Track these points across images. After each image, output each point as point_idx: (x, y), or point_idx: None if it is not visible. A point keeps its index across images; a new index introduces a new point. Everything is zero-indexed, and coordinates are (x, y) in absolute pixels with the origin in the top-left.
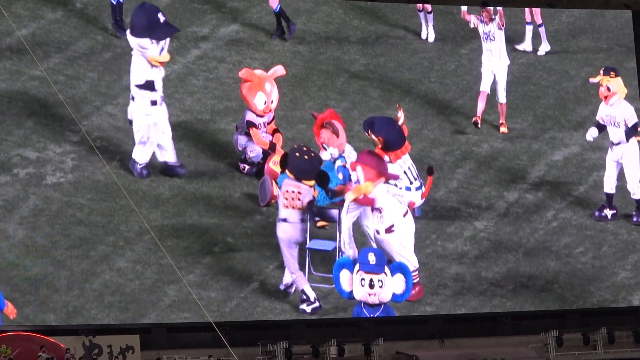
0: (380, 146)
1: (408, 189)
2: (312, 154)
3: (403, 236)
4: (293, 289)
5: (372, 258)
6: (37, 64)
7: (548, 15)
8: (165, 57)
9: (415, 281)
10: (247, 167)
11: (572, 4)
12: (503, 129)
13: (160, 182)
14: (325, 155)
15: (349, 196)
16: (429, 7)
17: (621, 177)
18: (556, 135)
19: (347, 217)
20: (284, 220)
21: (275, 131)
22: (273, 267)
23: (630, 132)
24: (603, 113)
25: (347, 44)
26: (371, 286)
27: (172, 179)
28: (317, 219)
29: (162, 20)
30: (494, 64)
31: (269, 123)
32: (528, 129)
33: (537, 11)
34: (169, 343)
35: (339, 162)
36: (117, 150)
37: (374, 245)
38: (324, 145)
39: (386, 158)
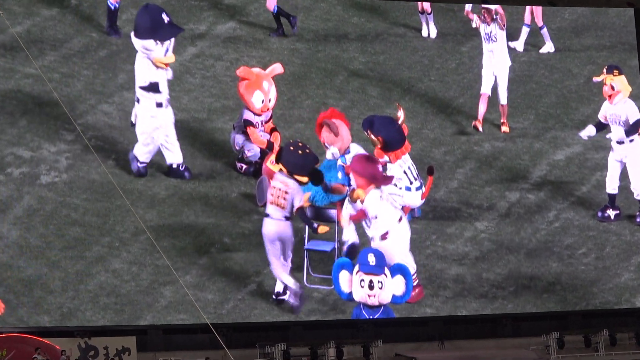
0: (379, 146)
1: (408, 189)
2: (307, 150)
3: (398, 242)
4: (287, 296)
5: (371, 259)
6: (31, 61)
7: (550, 13)
8: (171, 58)
9: (414, 283)
10: (244, 166)
11: (573, 2)
12: (504, 128)
13: (157, 181)
14: (327, 155)
15: (344, 216)
16: (428, 9)
17: (623, 177)
18: (558, 135)
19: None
20: (267, 215)
21: (273, 130)
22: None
23: (631, 129)
24: (607, 112)
25: (346, 42)
26: (371, 287)
27: (168, 178)
28: (315, 225)
29: (166, 21)
30: (496, 65)
31: (266, 122)
32: (530, 128)
33: (538, 13)
34: (166, 345)
35: (340, 162)
36: (112, 149)
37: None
38: (326, 144)
39: (385, 158)
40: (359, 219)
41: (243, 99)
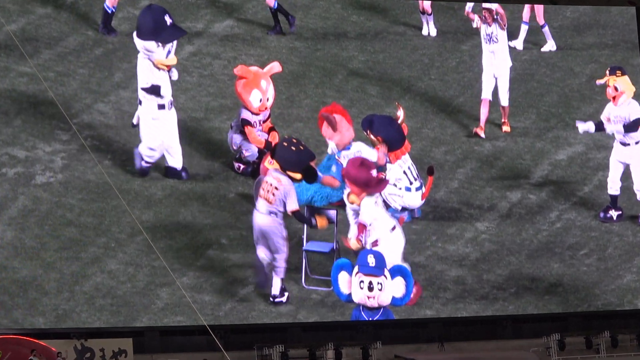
0: (379, 146)
1: (408, 189)
2: (301, 147)
3: (388, 251)
4: (285, 298)
5: (371, 260)
6: (26, 60)
7: (552, 11)
8: (172, 60)
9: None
10: (242, 166)
11: (574, 0)
12: (505, 128)
13: (153, 182)
14: (328, 149)
15: (351, 240)
16: (429, 9)
17: (625, 178)
18: (560, 134)
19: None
20: (255, 208)
21: (271, 129)
22: None
23: (631, 126)
24: (611, 114)
25: (345, 40)
26: (370, 289)
27: (164, 178)
28: (314, 222)
29: (168, 23)
30: (497, 67)
31: (264, 121)
32: (531, 128)
33: (539, 12)
34: (163, 347)
35: (337, 156)
36: (108, 149)
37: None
38: (327, 139)
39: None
40: (362, 232)
41: (241, 98)
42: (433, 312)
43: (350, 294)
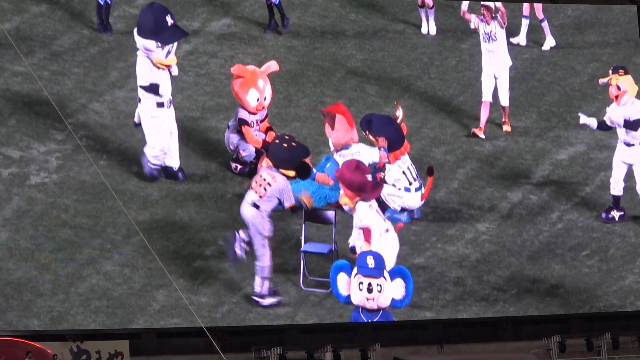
0: (378, 146)
1: (407, 189)
2: (293, 144)
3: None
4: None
5: (370, 261)
6: (20, 59)
7: (553, 9)
8: (172, 60)
9: None
10: (239, 166)
11: None
12: (506, 127)
13: (149, 182)
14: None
15: (361, 246)
16: (430, 3)
17: (628, 178)
18: (561, 134)
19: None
20: (244, 200)
21: (268, 129)
22: None
23: (631, 124)
24: (614, 115)
25: (343, 39)
26: (369, 290)
27: (161, 179)
28: (304, 205)
29: (169, 24)
30: (496, 67)
31: (262, 121)
32: (532, 127)
33: (538, 6)
34: (159, 349)
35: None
36: (104, 149)
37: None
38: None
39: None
40: (369, 236)
41: (238, 97)
42: (433, 313)
43: (349, 296)
